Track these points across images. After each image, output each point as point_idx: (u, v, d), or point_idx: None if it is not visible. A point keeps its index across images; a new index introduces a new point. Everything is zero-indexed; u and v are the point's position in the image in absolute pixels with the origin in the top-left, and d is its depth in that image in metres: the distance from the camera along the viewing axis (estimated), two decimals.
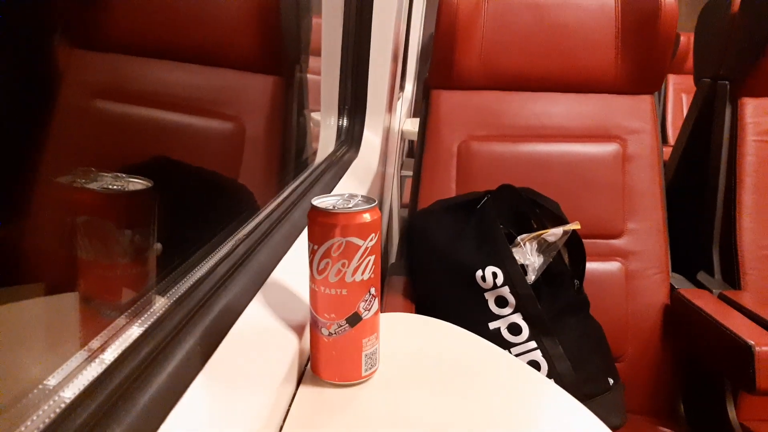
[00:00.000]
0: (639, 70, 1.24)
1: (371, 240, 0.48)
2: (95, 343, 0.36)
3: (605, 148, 1.23)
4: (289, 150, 1.06)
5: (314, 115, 1.22)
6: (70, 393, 0.31)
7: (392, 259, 1.66)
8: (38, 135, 0.53)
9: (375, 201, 0.49)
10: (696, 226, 1.35)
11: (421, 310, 1.04)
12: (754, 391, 0.94)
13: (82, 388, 0.32)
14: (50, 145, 0.55)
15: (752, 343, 0.94)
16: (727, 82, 1.32)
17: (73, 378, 0.32)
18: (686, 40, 3.03)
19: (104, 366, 0.34)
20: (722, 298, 1.16)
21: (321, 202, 0.49)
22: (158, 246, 0.51)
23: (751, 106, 1.28)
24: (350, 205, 0.49)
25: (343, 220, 0.47)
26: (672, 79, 3.14)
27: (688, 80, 1.56)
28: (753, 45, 1.25)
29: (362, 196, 0.51)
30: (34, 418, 0.29)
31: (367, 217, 0.48)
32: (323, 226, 0.47)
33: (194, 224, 0.64)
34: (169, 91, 0.87)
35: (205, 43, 0.92)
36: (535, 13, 1.25)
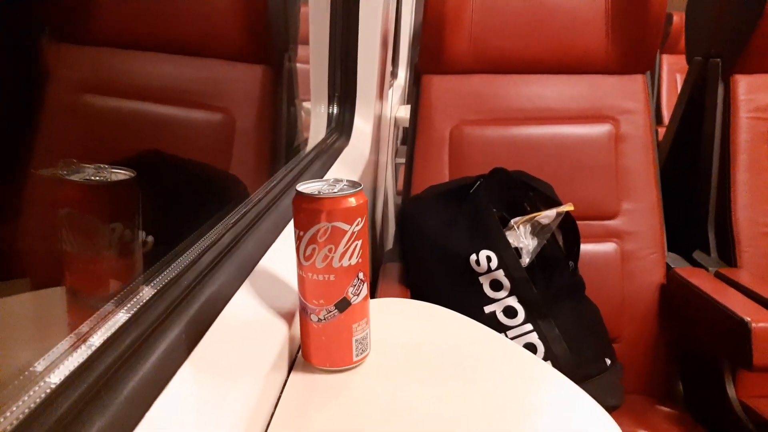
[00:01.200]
0: (630, 49, 1.23)
1: (357, 224, 0.48)
2: (80, 331, 0.36)
3: (598, 129, 1.23)
4: (279, 140, 1.05)
5: (305, 104, 1.21)
6: (55, 379, 0.31)
7: (388, 246, 1.66)
8: (26, 129, 0.52)
9: (360, 185, 0.49)
10: (691, 204, 1.34)
11: (416, 295, 1.04)
12: (752, 367, 0.94)
13: (66, 374, 0.32)
14: (38, 140, 0.54)
15: (748, 319, 0.94)
16: (719, 60, 1.31)
17: (58, 364, 0.32)
18: (679, 19, 3.02)
19: (89, 353, 0.34)
20: (718, 276, 1.15)
21: (306, 187, 0.49)
22: (147, 237, 0.50)
23: (743, 83, 1.27)
24: (335, 190, 0.48)
25: (328, 205, 0.47)
26: (666, 60, 3.13)
27: (682, 60, 1.56)
28: (744, 22, 1.25)
29: (348, 181, 0.50)
30: (20, 403, 0.29)
31: (352, 201, 0.47)
32: (308, 212, 0.47)
33: (183, 215, 0.64)
34: (156, 83, 0.86)
35: (191, 33, 0.92)
36: None
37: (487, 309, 0.95)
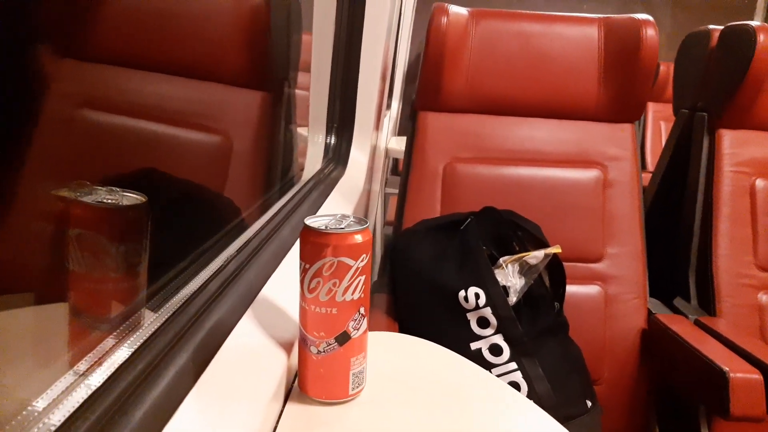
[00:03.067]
0: (620, 99, 1.27)
1: (362, 260, 0.49)
2: (87, 362, 0.36)
3: (586, 174, 1.26)
4: (275, 164, 1.06)
5: (301, 131, 1.23)
6: (59, 416, 0.31)
7: (375, 276, 1.66)
8: (25, 145, 0.53)
9: (367, 222, 0.50)
10: (673, 252, 1.38)
11: (404, 328, 1.05)
12: (728, 416, 0.96)
13: (72, 410, 0.31)
14: (37, 156, 0.55)
15: (727, 369, 0.96)
16: (705, 114, 1.36)
17: (62, 399, 0.32)
18: (666, 69, 3.12)
19: (96, 386, 0.34)
20: (698, 324, 1.18)
21: (313, 221, 0.50)
22: (149, 259, 0.51)
23: (727, 138, 1.32)
24: (342, 226, 0.49)
25: (335, 241, 0.48)
26: (651, 107, 3.22)
27: (668, 108, 1.61)
28: (730, 79, 1.30)
29: (354, 217, 0.52)
30: None
31: (358, 238, 0.49)
32: (315, 246, 0.48)
33: (183, 238, 0.65)
34: (159, 103, 0.88)
35: (195, 57, 0.93)
36: (521, 40, 1.28)
37: (474, 346, 0.96)
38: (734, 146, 1.31)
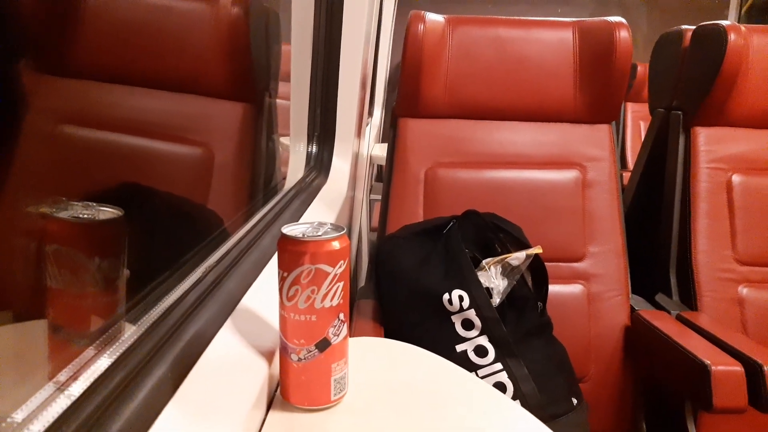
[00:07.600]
0: (597, 101, 1.29)
1: (340, 267, 0.50)
2: (65, 374, 0.36)
3: (566, 175, 1.28)
4: (258, 175, 1.07)
5: (283, 140, 1.24)
6: (39, 426, 0.31)
7: (361, 282, 1.67)
8: (3, 161, 0.53)
9: (344, 229, 0.51)
10: (654, 249, 1.40)
11: (389, 333, 1.05)
12: (712, 409, 0.97)
13: (51, 421, 0.32)
14: (16, 172, 0.55)
15: (708, 362, 0.98)
16: (680, 113, 1.39)
17: (41, 411, 0.32)
18: (643, 70, 3.16)
19: (75, 397, 0.34)
20: (680, 319, 1.20)
21: (290, 230, 0.50)
22: (127, 273, 0.51)
23: (703, 135, 1.35)
24: (319, 233, 0.50)
25: (312, 248, 0.48)
26: (630, 107, 3.27)
27: (646, 108, 1.64)
28: (703, 77, 1.32)
29: (331, 224, 0.52)
30: None
31: (336, 244, 0.49)
32: (293, 254, 0.49)
33: (163, 251, 0.65)
34: (140, 117, 0.88)
35: (176, 70, 0.93)
36: (497, 46, 1.30)
37: (459, 348, 0.97)
38: (709, 143, 1.33)
